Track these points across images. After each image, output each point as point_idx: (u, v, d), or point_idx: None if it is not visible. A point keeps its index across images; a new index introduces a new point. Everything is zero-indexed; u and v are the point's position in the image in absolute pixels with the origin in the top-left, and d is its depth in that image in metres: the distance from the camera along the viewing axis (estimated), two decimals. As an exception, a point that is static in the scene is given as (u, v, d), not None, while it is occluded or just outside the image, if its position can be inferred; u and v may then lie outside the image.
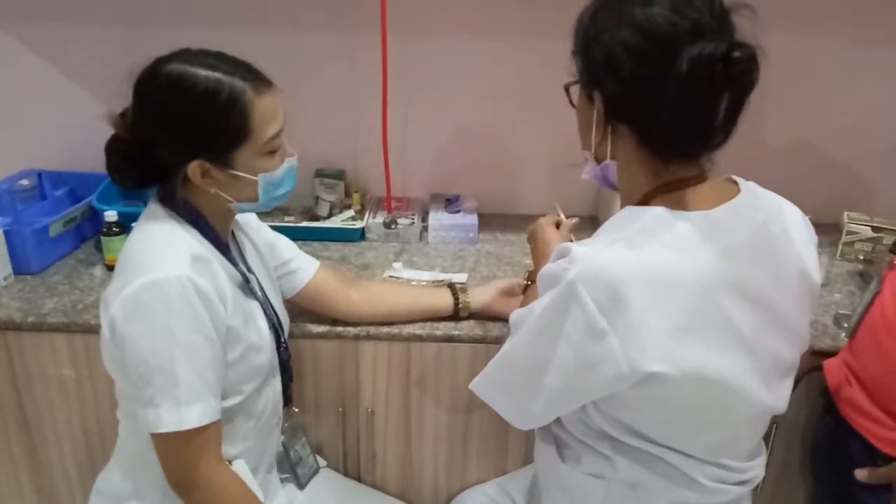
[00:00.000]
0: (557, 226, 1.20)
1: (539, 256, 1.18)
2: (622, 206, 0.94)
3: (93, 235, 1.65)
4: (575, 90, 0.95)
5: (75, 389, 1.38)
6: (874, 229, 1.65)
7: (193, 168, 1.00)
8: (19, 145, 1.80)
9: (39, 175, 1.74)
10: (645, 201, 0.91)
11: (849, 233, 1.67)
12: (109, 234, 1.49)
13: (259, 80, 1.01)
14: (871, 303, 1.14)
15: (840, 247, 1.68)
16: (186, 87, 0.96)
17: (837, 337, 1.35)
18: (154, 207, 1.06)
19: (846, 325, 1.36)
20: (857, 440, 1.12)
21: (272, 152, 1.04)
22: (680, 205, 0.88)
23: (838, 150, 1.83)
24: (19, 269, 1.48)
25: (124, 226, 1.48)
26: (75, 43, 1.72)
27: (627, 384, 0.84)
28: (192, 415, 0.97)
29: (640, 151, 0.90)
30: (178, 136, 0.99)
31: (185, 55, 0.99)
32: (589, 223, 1.20)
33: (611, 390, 0.87)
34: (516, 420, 0.97)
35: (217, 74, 0.97)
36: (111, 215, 1.49)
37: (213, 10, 1.69)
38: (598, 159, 0.96)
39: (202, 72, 0.96)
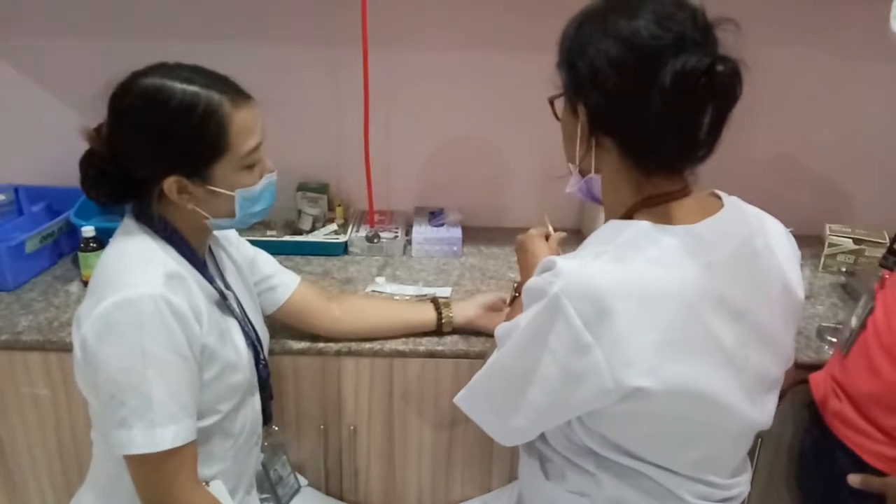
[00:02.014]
0: (546, 238, 1.20)
1: (526, 268, 1.17)
2: (606, 220, 0.94)
3: (70, 251, 1.63)
4: (559, 103, 0.95)
5: (50, 409, 1.35)
6: (856, 241, 1.66)
7: (170, 184, 0.98)
8: (-4, 159, 1.77)
9: (16, 190, 1.71)
10: (629, 215, 0.90)
11: (831, 245, 1.68)
12: (87, 249, 1.47)
13: (237, 92, 0.99)
14: (866, 321, 1.13)
15: (822, 259, 1.69)
16: (162, 101, 0.95)
17: (821, 350, 1.35)
18: (129, 223, 1.04)
19: (831, 338, 1.37)
20: (844, 453, 1.12)
21: (250, 166, 1.02)
22: (664, 219, 0.88)
23: (821, 162, 1.85)
24: (-6, 285, 1.45)
25: (102, 241, 1.45)
26: (53, 56, 1.70)
27: (612, 399, 0.83)
28: (166, 436, 0.94)
29: (623, 164, 0.90)
30: (154, 151, 0.98)
31: (162, 69, 0.98)
32: (574, 237, 1.19)
33: (595, 405, 0.86)
34: (500, 436, 0.96)
35: (194, 87, 0.95)
36: (88, 231, 1.46)
37: (194, 24, 1.67)
38: (583, 172, 0.95)
39: (179, 85, 0.95)
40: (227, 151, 0.98)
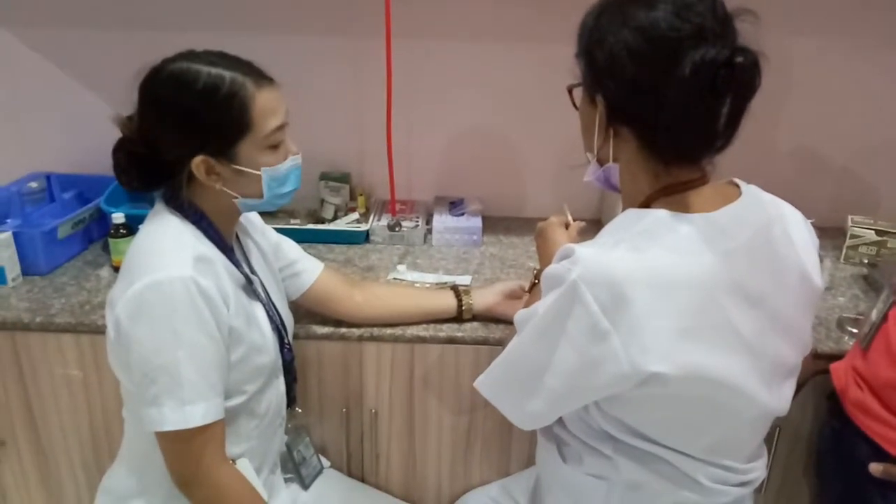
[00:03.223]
0: (567, 227, 1.21)
1: (546, 256, 1.18)
2: (624, 209, 0.94)
3: (100, 237, 1.66)
4: (578, 93, 0.96)
5: (82, 389, 1.39)
6: (878, 233, 1.65)
7: (197, 164, 1.01)
8: (28, 148, 1.82)
9: (48, 178, 1.76)
10: (647, 204, 0.91)
11: (853, 236, 1.67)
12: (116, 235, 1.50)
13: (260, 75, 1.02)
14: (887, 314, 1.13)
15: (844, 250, 1.68)
16: (188, 82, 0.98)
17: (841, 340, 1.34)
18: (159, 209, 1.07)
19: (852, 329, 1.36)
20: (865, 442, 1.12)
21: (274, 147, 1.04)
22: (682, 207, 0.89)
23: (842, 153, 1.83)
24: (28, 270, 1.50)
25: (131, 228, 1.49)
26: (83, 46, 1.73)
27: (629, 384, 0.84)
28: (195, 413, 0.98)
29: (641, 154, 0.90)
30: (181, 131, 1.00)
31: (189, 55, 1.01)
32: (593, 226, 1.20)
33: (613, 390, 0.87)
34: (518, 420, 0.97)
35: (218, 70, 0.99)
36: (118, 217, 1.50)
37: (220, 15, 1.70)
38: (601, 162, 0.96)
39: (204, 68, 0.98)
40: (251, 131, 1.01)
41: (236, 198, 1.06)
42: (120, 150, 1.05)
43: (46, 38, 1.74)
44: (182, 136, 1.00)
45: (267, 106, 1.01)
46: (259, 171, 1.03)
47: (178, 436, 0.98)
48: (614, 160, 0.94)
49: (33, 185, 1.71)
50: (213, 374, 1.00)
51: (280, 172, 1.06)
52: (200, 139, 1.00)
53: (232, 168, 1.02)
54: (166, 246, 1.01)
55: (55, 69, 1.76)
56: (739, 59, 0.79)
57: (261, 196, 1.06)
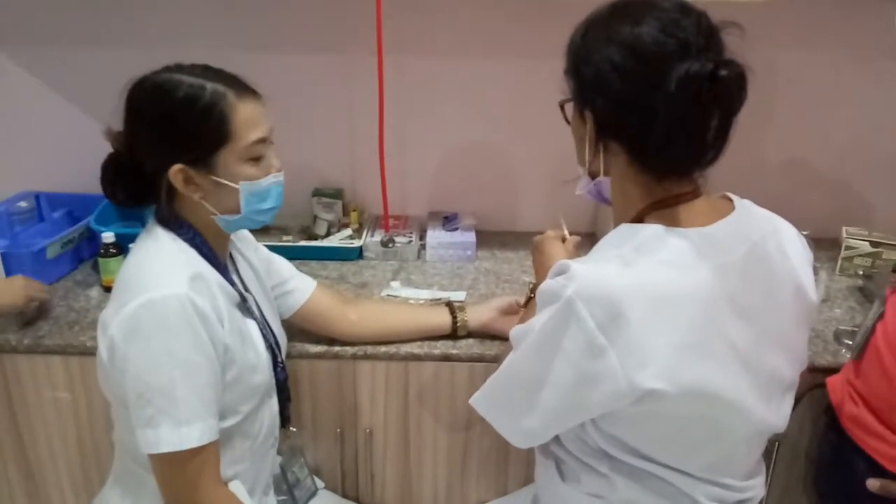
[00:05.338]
0: (563, 241, 1.20)
1: (542, 270, 1.17)
2: (615, 222, 0.94)
3: (90, 257, 1.65)
4: (569, 107, 0.96)
5: (71, 412, 1.37)
6: (873, 244, 1.65)
7: (175, 172, 1.00)
8: (17, 167, 1.80)
9: (37, 197, 1.75)
10: (639, 218, 0.91)
11: (847, 248, 1.67)
12: (107, 255, 1.49)
13: (243, 87, 1.02)
14: (875, 325, 1.13)
15: (839, 262, 1.68)
16: (168, 91, 0.98)
17: (838, 353, 1.34)
18: (152, 227, 1.06)
19: (848, 342, 1.36)
20: (862, 458, 1.11)
21: (255, 160, 1.03)
22: (675, 221, 0.88)
23: (836, 164, 1.84)
24: (16, 290, 1.47)
25: (122, 247, 1.48)
26: (74, 64, 1.73)
27: (626, 401, 0.83)
28: (192, 434, 0.96)
29: (632, 168, 0.90)
30: (160, 139, 1.00)
31: (173, 67, 1.01)
32: (588, 240, 1.20)
33: (609, 408, 0.86)
34: (514, 437, 0.96)
35: (200, 80, 0.99)
36: (108, 236, 1.49)
37: (214, 33, 1.70)
38: (592, 175, 0.96)
39: (186, 78, 0.98)
40: (230, 140, 1.00)
41: (215, 214, 1.05)
42: (108, 163, 1.05)
43: (35, 57, 1.73)
44: (161, 143, 1.00)
45: (248, 117, 1.00)
46: (237, 184, 1.02)
47: (173, 458, 0.96)
48: (605, 174, 0.94)
49: (22, 204, 1.70)
50: (209, 394, 0.99)
51: (260, 188, 1.04)
52: (179, 147, 0.99)
53: (210, 179, 1.01)
54: (160, 264, 1.00)
55: (44, 88, 1.75)
56: (724, 73, 0.79)
57: (238, 211, 1.05)
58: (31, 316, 1.39)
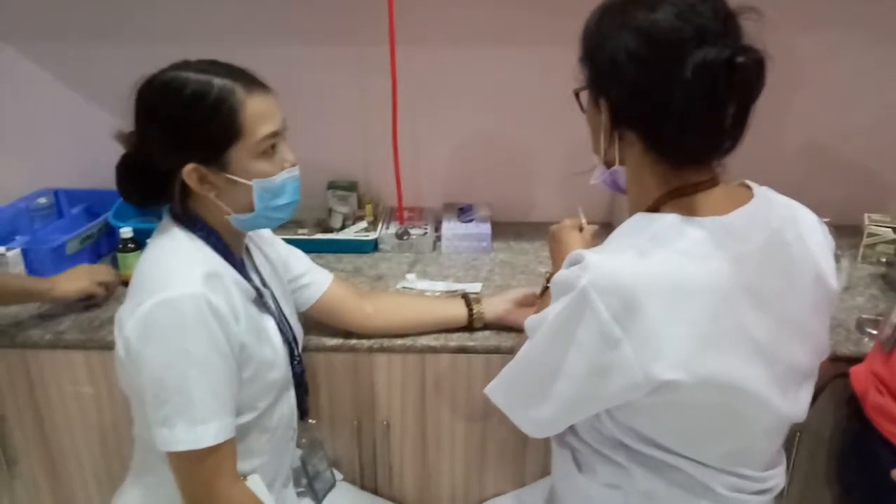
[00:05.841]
0: (580, 230, 1.19)
1: (559, 259, 1.16)
2: (630, 211, 0.93)
3: (109, 252, 1.66)
4: (585, 95, 0.95)
5: (93, 406, 1.39)
6: (896, 231, 1.62)
7: (189, 171, 0.99)
8: (36, 164, 1.83)
9: (56, 193, 1.77)
10: (655, 207, 0.90)
11: (870, 235, 1.64)
12: (125, 250, 1.50)
13: (252, 81, 1.01)
14: None
15: (861, 249, 1.65)
16: (177, 88, 0.97)
17: (860, 342, 1.32)
18: (167, 224, 1.06)
19: (870, 331, 1.33)
20: (886, 448, 1.09)
21: (267, 155, 1.02)
22: (692, 210, 0.87)
23: (858, 150, 1.80)
24: (37, 286, 1.49)
25: (140, 242, 1.49)
26: (91, 61, 1.74)
27: (641, 392, 0.83)
28: (208, 433, 0.96)
29: (648, 157, 0.89)
30: (172, 138, 1.00)
31: (181, 64, 1.00)
32: (604, 229, 1.19)
33: (625, 399, 0.85)
34: (528, 427, 0.96)
35: (207, 76, 0.98)
36: (126, 232, 1.50)
37: (226, 27, 1.70)
38: (608, 164, 0.95)
39: (193, 75, 0.98)
40: (241, 136, 0.99)
41: (229, 213, 1.04)
42: (122, 164, 1.05)
43: (52, 54, 1.74)
44: (173, 143, 1.00)
45: (258, 111, 0.99)
46: (250, 181, 1.02)
47: (189, 456, 0.97)
48: (621, 163, 0.93)
49: (42, 200, 1.72)
50: (225, 392, 0.99)
51: (273, 184, 1.04)
52: (191, 146, 0.99)
53: (224, 177, 1.01)
54: (175, 263, 1.00)
55: (62, 85, 1.77)
56: (741, 59, 0.77)
57: (252, 209, 1.04)
58: (102, 298, 1.44)
